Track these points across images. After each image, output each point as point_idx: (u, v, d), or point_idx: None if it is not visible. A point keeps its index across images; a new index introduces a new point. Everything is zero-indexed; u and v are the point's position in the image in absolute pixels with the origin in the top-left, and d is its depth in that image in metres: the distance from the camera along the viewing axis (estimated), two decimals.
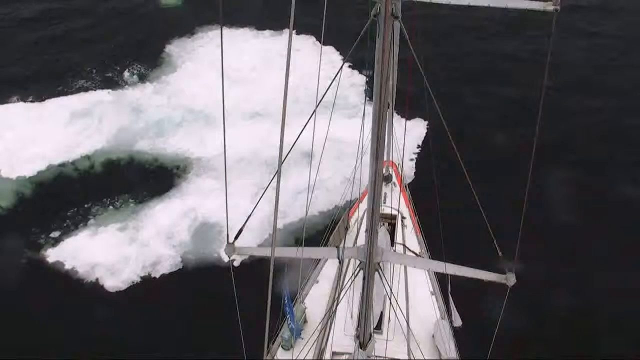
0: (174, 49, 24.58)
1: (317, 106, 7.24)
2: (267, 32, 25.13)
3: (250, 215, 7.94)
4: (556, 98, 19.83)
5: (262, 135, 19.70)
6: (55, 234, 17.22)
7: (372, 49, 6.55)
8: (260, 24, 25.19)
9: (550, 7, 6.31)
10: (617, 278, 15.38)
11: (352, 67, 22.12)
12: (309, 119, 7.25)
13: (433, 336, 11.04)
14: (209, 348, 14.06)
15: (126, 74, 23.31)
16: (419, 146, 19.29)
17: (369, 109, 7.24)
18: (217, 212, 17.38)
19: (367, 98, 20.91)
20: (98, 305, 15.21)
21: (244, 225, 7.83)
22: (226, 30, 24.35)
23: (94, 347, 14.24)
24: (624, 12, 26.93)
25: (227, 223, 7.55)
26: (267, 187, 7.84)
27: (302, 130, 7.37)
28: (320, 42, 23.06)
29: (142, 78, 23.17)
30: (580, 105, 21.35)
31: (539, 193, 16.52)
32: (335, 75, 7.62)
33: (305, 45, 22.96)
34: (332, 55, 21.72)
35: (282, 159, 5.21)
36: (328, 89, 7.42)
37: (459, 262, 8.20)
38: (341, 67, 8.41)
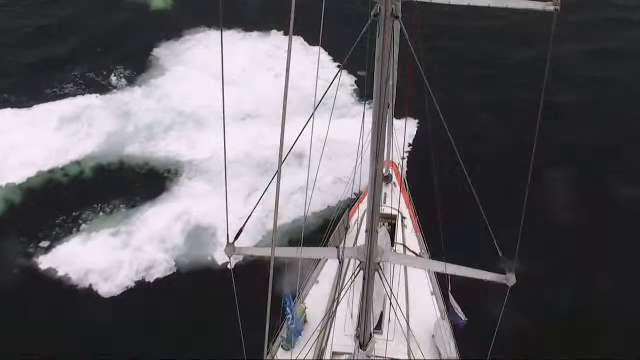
0: (162, 51, 24.35)
1: (315, 109, 7.23)
2: (255, 34, 25.00)
3: (249, 215, 7.97)
4: (557, 98, 19.84)
5: (253, 136, 19.63)
6: (46, 241, 17.00)
7: (372, 48, 6.53)
8: (248, 25, 25.05)
9: (550, 7, 6.35)
10: (617, 278, 15.43)
11: (342, 66, 21.96)
12: (308, 120, 7.23)
13: (433, 336, 11.06)
14: (209, 348, 14.00)
15: (114, 77, 23.07)
16: (409, 144, 19.32)
17: (368, 109, 7.23)
18: (210, 214, 17.30)
19: (359, 98, 21.02)
20: (94, 310, 15.13)
21: (243, 226, 7.83)
22: (215, 32, 24.28)
23: (92, 349, 14.19)
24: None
25: (227, 223, 7.55)
26: (267, 188, 7.80)
27: (302, 132, 7.36)
28: (311, 43, 22.98)
29: (131, 81, 22.94)
30: (581, 104, 21.41)
31: (539, 193, 16.48)
32: (335, 76, 7.64)
33: (293, 46, 22.75)
34: (320, 55, 21.61)
35: (282, 159, 5.19)
36: (327, 90, 7.41)
37: (459, 262, 8.22)
38: (340, 68, 8.44)
